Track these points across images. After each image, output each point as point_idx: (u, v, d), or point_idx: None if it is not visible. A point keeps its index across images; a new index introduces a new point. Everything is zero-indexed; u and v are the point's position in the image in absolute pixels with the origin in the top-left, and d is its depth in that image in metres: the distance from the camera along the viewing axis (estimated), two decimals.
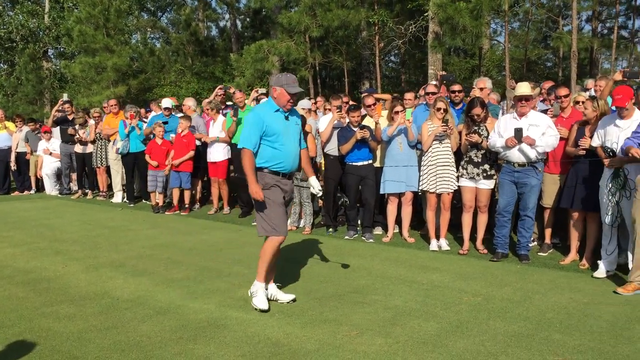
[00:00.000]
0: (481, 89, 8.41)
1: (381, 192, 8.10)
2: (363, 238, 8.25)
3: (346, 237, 8.33)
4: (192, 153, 10.63)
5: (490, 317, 4.88)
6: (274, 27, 18.78)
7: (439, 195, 7.55)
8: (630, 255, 5.98)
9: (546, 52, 28.43)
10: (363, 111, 8.53)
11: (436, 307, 5.16)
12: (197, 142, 10.82)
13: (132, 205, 11.87)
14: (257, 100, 10.81)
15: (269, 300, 5.30)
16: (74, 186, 13.94)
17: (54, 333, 4.57)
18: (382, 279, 6.09)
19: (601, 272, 6.14)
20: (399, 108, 7.83)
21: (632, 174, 5.79)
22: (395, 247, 7.79)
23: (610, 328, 4.62)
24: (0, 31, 27.48)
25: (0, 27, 27.59)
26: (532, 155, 6.62)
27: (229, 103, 12.01)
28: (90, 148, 12.84)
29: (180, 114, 11.41)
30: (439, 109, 7.45)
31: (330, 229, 8.79)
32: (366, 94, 9.36)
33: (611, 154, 5.95)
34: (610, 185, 6.02)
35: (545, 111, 7.57)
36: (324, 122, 8.75)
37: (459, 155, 7.50)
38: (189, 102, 11.75)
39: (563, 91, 7.16)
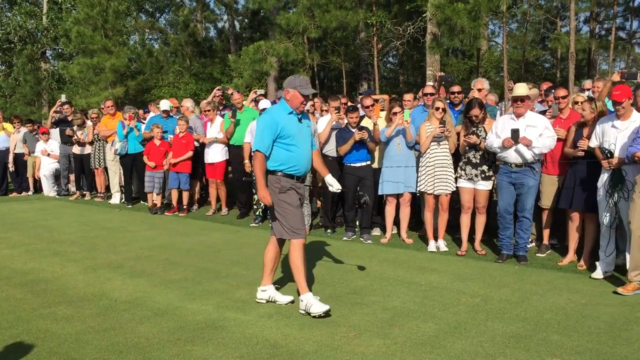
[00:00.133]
0: (479, 90, 8.42)
1: (379, 193, 8.10)
2: (361, 239, 8.25)
3: (344, 238, 8.33)
4: (190, 153, 10.63)
5: (488, 318, 4.89)
6: (272, 28, 18.76)
7: (437, 197, 7.55)
8: (627, 256, 6.00)
9: (544, 53, 28.46)
10: (361, 112, 8.54)
11: (434, 308, 5.16)
12: (196, 143, 10.81)
13: (130, 206, 11.86)
14: (256, 101, 10.82)
15: (267, 301, 5.30)
16: (72, 187, 13.92)
17: (51, 334, 4.56)
18: (380, 280, 6.09)
19: (599, 273, 6.14)
20: (397, 109, 7.83)
21: (630, 175, 5.80)
22: (394, 248, 7.79)
23: (609, 329, 4.62)
24: None
25: None
26: (528, 156, 6.63)
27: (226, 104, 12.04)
28: (88, 149, 12.82)
29: (179, 115, 11.40)
30: (437, 109, 7.45)
31: (329, 230, 8.79)
32: (364, 95, 9.37)
33: (609, 155, 5.95)
34: (608, 186, 6.03)
35: (543, 112, 7.58)
36: (323, 123, 8.75)
37: (457, 156, 7.51)
38: (187, 103, 11.75)
39: (561, 92, 7.16)
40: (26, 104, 26.16)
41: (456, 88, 8.48)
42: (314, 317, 4.86)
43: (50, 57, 29.65)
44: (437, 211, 7.65)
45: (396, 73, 28.70)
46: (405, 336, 4.48)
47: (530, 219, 6.93)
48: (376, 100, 9.02)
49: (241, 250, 7.68)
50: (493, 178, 7.25)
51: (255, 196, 9.69)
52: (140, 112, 12.69)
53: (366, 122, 8.36)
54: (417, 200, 8.42)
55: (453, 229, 8.11)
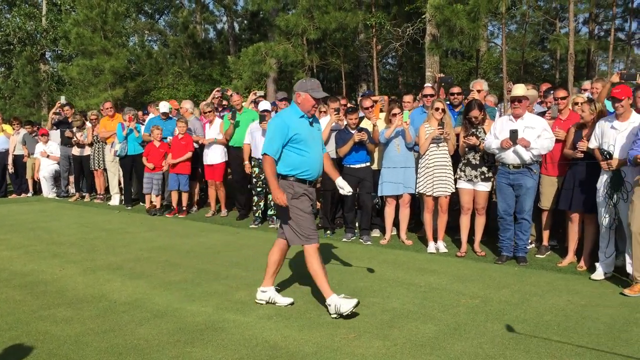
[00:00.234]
0: (478, 91, 8.42)
1: (379, 194, 8.10)
2: (361, 240, 8.25)
3: (344, 240, 8.32)
4: (189, 154, 10.63)
5: (488, 320, 4.88)
6: (272, 30, 18.78)
7: (436, 198, 7.55)
8: (627, 257, 6.00)
9: (543, 55, 28.48)
10: (361, 113, 8.54)
11: (434, 310, 5.16)
12: (195, 145, 10.81)
13: (129, 207, 11.86)
14: (255, 102, 10.82)
15: (266, 302, 5.30)
16: (71, 189, 13.92)
17: (51, 336, 4.56)
18: (380, 282, 6.09)
19: (599, 274, 6.14)
20: (396, 110, 7.83)
21: (629, 176, 5.80)
22: (393, 249, 7.79)
23: (608, 330, 4.62)
24: None
25: None
26: (526, 157, 6.63)
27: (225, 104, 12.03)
28: (87, 151, 12.82)
29: (178, 117, 11.40)
30: (437, 109, 7.46)
31: (328, 232, 8.79)
32: (363, 96, 9.37)
33: (608, 156, 5.95)
34: (607, 187, 6.03)
35: (542, 113, 7.58)
36: (322, 124, 8.72)
37: (456, 157, 7.51)
38: (186, 105, 11.75)
39: (561, 93, 7.16)
40: (25, 106, 26.18)
41: (456, 89, 8.48)
42: (348, 314, 4.82)
43: (49, 59, 29.69)
44: (437, 212, 7.65)
45: (395, 74, 28.71)
46: (405, 337, 4.48)
47: (530, 221, 6.93)
48: (375, 101, 9.02)
49: (241, 252, 7.67)
50: (493, 179, 7.25)
51: (255, 197, 9.70)
52: (140, 113, 12.69)
53: (365, 124, 8.36)
54: (417, 202, 8.42)
55: (452, 230, 8.10)
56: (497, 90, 16.69)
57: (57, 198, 13.77)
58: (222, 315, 5.03)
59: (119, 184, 12.61)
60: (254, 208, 9.79)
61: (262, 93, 11.91)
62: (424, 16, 14.32)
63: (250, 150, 9.65)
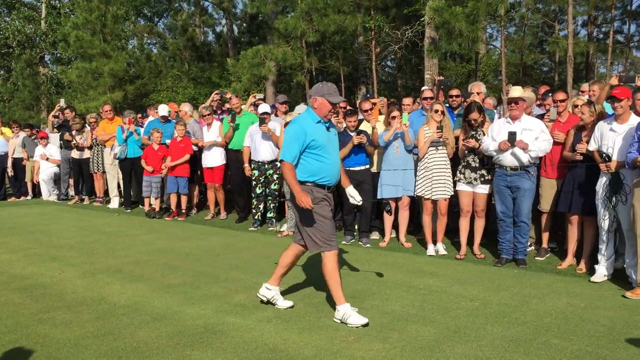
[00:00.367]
0: (477, 94, 8.43)
1: (378, 196, 8.09)
2: (360, 243, 8.25)
3: (343, 242, 8.32)
4: (187, 156, 10.62)
5: (487, 322, 4.88)
6: (271, 33, 18.79)
7: (435, 201, 7.55)
8: (627, 260, 6.00)
9: (542, 57, 28.50)
10: (360, 116, 8.54)
11: (433, 312, 5.16)
12: (194, 148, 10.81)
13: (129, 210, 11.86)
14: (255, 105, 10.83)
15: (267, 300, 5.29)
16: (71, 192, 13.92)
17: (50, 340, 4.55)
18: (379, 284, 6.08)
19: (598, 276, 6.14)
20: (395, 113, 7.83)
21: (628, 178, 5.80)
22: (392, 251, 7.79)
23: (608, 333, 4.62)
24: None
25: None
26: (524, 159, 6.63)
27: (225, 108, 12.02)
28: (87, 154, 12.82)
29: (177, 120, 11.41)
30: (436, 111, 7.46)
31: None
32: (362, 99, 9.37)
33: (607, 158, 5.96)
34: (606, 189, 6.03)
35: (541, 116, 7.59)
36: None
37: (456, 160, 7.51)
38: (185, 108, 11.76)
39: (560, 96, 7.15)
40: (25, 109, 26.20)
41: (454, 92, 8.50)
42: (355, 327, 4.76)
43: (48, 62, 29.70)
44: (436, 215, 7.65)
45: (394, 77, 28.72)
46: (404, 340, 4.47)
47: (528, 223, 6.92)
48: (374, 104, 9.03)
49: (240, 255, 7.67)
50: (492, 182, 7.24)
51: (254, 200, 9.69)
52: (138, 116, 12.69)
53: (365, 126, 8.36)
54: (416, 204, 8.42)
55: (452, 232, 8.10)
56: (496, 93, 16.69)
57: (56, 201, 13.76)
58: (222, 318, 5.03)
59: (118, 186, 12.61)
60: (253, 211, 9.78)
61: (261, 96, 11.92)
62: (423, 19, 14.34)
63: (250, 153, 9.65)
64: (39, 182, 14.16)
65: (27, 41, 27.77)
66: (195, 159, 10.87)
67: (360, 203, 5.35)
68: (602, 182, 6.12)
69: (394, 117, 7.78)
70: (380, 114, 9.20)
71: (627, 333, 4.62)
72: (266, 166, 9.50)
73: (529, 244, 7.25)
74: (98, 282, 6.26)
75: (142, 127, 11.88)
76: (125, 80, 20.89)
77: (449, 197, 7.52)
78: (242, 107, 10.65)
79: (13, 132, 14.59)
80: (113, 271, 6.77)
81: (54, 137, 13.94)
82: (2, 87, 27.86)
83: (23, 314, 5.21)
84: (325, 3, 15.30)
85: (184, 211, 10.87)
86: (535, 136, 6.63)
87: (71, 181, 13.82)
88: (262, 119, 9.22)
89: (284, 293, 5.70)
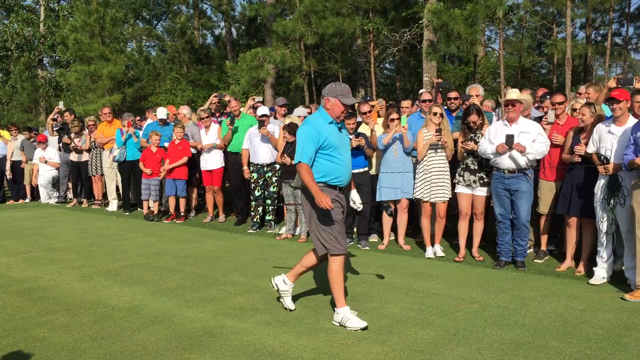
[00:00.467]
0: (476, 96, 8.44)
1: (377, 199, 8.09)
2: (359, 245, 8.24)
3: None
4: (185, 159, 10.62)
5: (486, 325, 4.88)
6: (269, 35, 18.80)
7: (434, 204, 7.55)
8: (625, 262, 6.00)
9: (541, 59, 28.54)
10: (358, 118, 8.54)
11: (432, 315, 5.15)
12: (193, 150, 10.80)
13: (127, 213, 11.85)
14: (254, 108, 10.83)
15: (278, 290, 5.26)
16: (70, 194, 13.91)
17: (48, 343, 4.54)
18: (378, 287, 6.08)
19: (597, 278, 6.14)
20: (394, 115, 7.83)
21: (626, 181, 5.81)
22: (391, 254, 7.78)
23: (607, 335, 4.62)
24: None
25: None
26: (522, 162, 6.63)
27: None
28: (85, 156, 12.82)
29: (176, 122, 11.40)
30: (435, 114, 7.46)
31: None
32: (361, 101, 9.37)
33: (605, 161, 5.96)
34: (604, 192, 6.04)
35: (539, 118, 7.59)
36: None
37: (455, 162, 7.51)
38: (184, 110, 11.76)
39: (558, 98, 7.15)
40: (23, 112, 26.20)
41: (453, 94, 8.51)
42: (354, 331, 4.74)
43: (47, 65, 29.72)
44: (434, 217, 7.65)
45: (393, 79, 28.75)
46: (403, 343, 4.47)
47: (528, 226, 6.90)
48: (372, 106, 9.03)
49: (239, 257, 7.66)
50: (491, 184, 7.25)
51: (253, 203, 9.68)
52: (137, 119, 12.69)
53: (363, 129, 8.36)
54: (415, 207, 8.42)
55: (451, 235, 8.10)
56: (495, 95, 16.71)
57: (55, 204, 13.75)
58: (220, 321, 5.02)
59: (117, 189, 12.60)
60: (252, 213, 9.78)
61: (260, 98, 11.91)
62: (421, 21, 14.33)
63: (249, 155, 9.65)
64: (37, 185, 14.15)
65: (26, 44, 27.79)
66: (193, 162, 10.87)
67: (360, 208, 5.31)
68: (600, 184, 6.13)
69: (392, 120, 7.78)
70: (379, 116, 9.21)
71: (626, 335, 4.61)
72: (265, 169, 9.50)
73: (528, 246, 7.25)
74: (96, 285, 6.25)
75: (140, 129, 11.88)
76: (124, 82, 20.90)
77: (448, 199, 7.53)
78: (241, 109, 10.65)
79: (11, 135, 14.59)
80: (111, 274, 6.76)
81: (53, 140, 13.94)
82: (0, 90, 27.85)
83: (21, 317, 5.20)
84: (324, 6, 15.32)
85: (182, 214, 10.87)
86: (532, 139, 6.63)
87: (70, 184, 13.81)
88: (261, 122, 9.23)
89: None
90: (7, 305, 5.55)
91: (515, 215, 6.83)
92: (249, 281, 6.36)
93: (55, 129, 14.14)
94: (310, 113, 10.06)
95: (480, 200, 7.22)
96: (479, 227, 7.38)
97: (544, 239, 7.35)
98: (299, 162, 4.84)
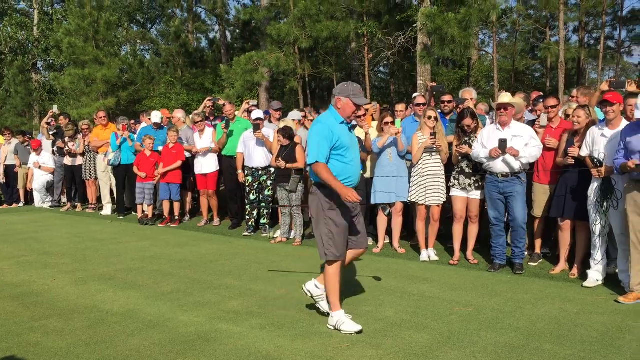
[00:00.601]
0: (470, 99, 8.45)
1: (372, 202, 8.09)
2: None
3: None
4: (179, 162, 10.60)
5: (481, 328, 4.88)
6: (264, 39, 18.82)
7: (428, 207, 7.56)
8: (619, 265, 6.02)
9: (534, 63, 28.67)
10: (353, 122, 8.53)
11: (427, 318, 5.15)
12: (187, 154, 10.79)
13: (121, 217, 11.82)
14: (249, 111, 10.82)
15: (311, 296, 5.19)
16: (64, 198, 13.87)
17: (42, 348, 4.52)
18: (373, 290, 6.08)
19: (591, 281, 6.15)
20: (388, 119, 7.83)
21: (619, 184, 5.83)
22: (386, 257, 7.78)
23: (601, 338, 4.63)
24: None
25: None
26: (516, 166, 6.64)
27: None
28: (79, 160, 12.78)
29: (170, 126, 11.38)
30: (429, 117, 7.48)
31: None
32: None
33: (598, 164, 5.98)
34: (598, 195, 6.06)
35: (533, 122, 7.61)
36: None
37: (450, 165, 7.52)
38: (178, 114, 11.73)
39: (551, 102, 7.17)
40: (17, 115, 26.12)
41: (446, 97, 8.53)
42: (349, 334, 4.73)
43: (41, 68, 29.66)
44: (429, 220, 7.65)
45: (387, 83, 28.80)
46: (398, 347, 4.47)
47: (524, 228, 6.85)
48: (367, 109, 9.03)
49: (233, 261, 7.65)
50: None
51: (248, 207, 9.67)
52: (131, 122, 12.66)
53: (357, 132, 8.36)
54: (409, 210, 8.43)
55: (445, 238, 8.11)
56: (489, 99, 16.77)
57: (49, 208, 13.70)
58: (215, 326, 5.01)
59: (111, 193, 12.56)
60: (247, 217, 9.77)
61: (255, 102, 11.91)
62: (415, 25, 14.39)
63: (243, 159, 9.64)
64: (32, 190, 14.10)
65: (20, 48, 27.72)
66: (187, 166, 10.85)
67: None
68: (593, 187, 6.15)
69: (387, 123, 7.79)
70: (373, 119, 9.21)
71: (620, 338, 4.63)
72: (260, 172, 9.49)
73: (525, 248, 7.25)
74: (90, 290, 6.23)
75: (135, 133, 11.86)
76: (118, 86, 20.87)
77: (442, 202, 7.54)
78: (236, 113, 10.64)
79: (5, 139, 14.53)
80: (106, 278, 6.74)
81: (48, 144, 13.89)
82: None
83: (15, 322, 5.18)
84: (318, 9, 15.36)
85: (177, 218, 10.85)
86: (525, 142, 6.65)
87: (64, 188, 13.76)
88: (256, 125, 9.22)
89: (277, 298, 5.69)
90: (0, 310, 5.53)
91: (512, 217, 6.84)
92: (244, 285, 6.35)
93: (50, 132, 14.11)
94: (304, 117, 10.06)
95: (475, 204, 7.23)
96: (473, 230, 7.39)
97: (538, 242, 7.37)
98: (316, 162, 4.74)
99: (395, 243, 8.14)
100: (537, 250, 7.37)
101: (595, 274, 6.19)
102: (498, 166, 6.70)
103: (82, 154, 12.67)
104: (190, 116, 11.71)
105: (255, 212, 9.70)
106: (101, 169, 12.31)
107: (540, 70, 30.02)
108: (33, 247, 8.73)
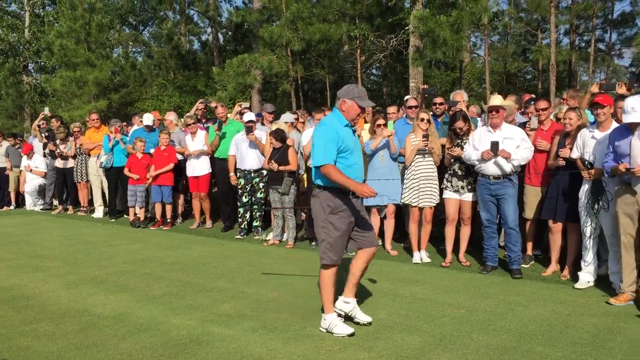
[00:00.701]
0: (462, 102, 8.48)
1: (364, 204, 8.07)
2: (345, 250, 8.21)
3: None
4: (171, 165, 10.57)
5: (473, 330, 4.89)
6: (256, 41, 18.82)
7: (421, 209, 7.57)
8: (610, 266, 6.05)
9: (525, 65, 28.80)
10: None
11: (419, 321, 5.16)
12: (179, 157, 10.76)
13: (113, 220, 11.77)
14: (241, 114, 10.81)
15: (346, 316, 5.08)
16: (55, 201, 13.79)
17: (32, 352, 4.50)
18: (365, 292, 6.08)
19: (582, 283, 6.18)
20: (381, 121, 7.84)
21: (610, 185, 5.86)
22: (378, 260, 7.75)
23: (592, 339, 4.65)
24: None
25: None
26: (507, 168, 6.66)
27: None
28: (71, 163, 12.73)
29: (162, 128, 11.36)
30: (422, 120, 7.49)
31: (314, 243, 8.76)
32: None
33: (589, 166, 6.01)
34: (588, 196, 6.09)
35: (524, 124, 7.64)
36: (307, 135, 8.75)
37: (443, 167, 7.54)
38: (170, 117, 11.70)
39: (542, 104, 7.18)
40: (8, 118, 25.99)
41: (438, 99, 8.54)
42: (340, 337, 4.73)
43: (32, 71, 29.51)
44: (421, 222, 7.66)
45: (380, 85, 28.86)
46: (390, 349, 4.47)
47: (517, 230, 6.83)
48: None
49: (226, 264, 7.64)
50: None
51: (240, 209, 9.65)
52: (124, 124, 12.62)
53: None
54: (401, 213, 8.43)
55: (438, 240, 8.12)
56: (480, 101, 16.83)
57: (40, 211, 13.63)
58: (207, 329, 5.00)
59: (103, 196, 12.51)
60: (239, 219, 9.75)
61: (247, 104, 11.90)
62: (407, 28, 14.42)
63: (236, 161, 9.63)
64: (23, 192, 14.02)
65: (11, 49, 27.58)
66: (179, 168, 10.82)
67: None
68: (584, 189, 6.18)
69: (379, 126, 7.80)
70: (365, 122, 9.22)
71: (611, 339, 4.65)
72: (252, 175, 9.48)
73: (520, 252, 7.23)
74: (82, 293, 6.20)
75: (127, 135, 11.82)
76: (110, 88, 20.80)
77: (435, 204, 7.55)
78: (228, 115, 10.63)
79: None
80: (97, 282, 6.71)
81: (39, 147, 13.81)
82: None
83: (5, 325, 5.14)
84: (311, 12, 15.38)
85: (169, 220, 10.81)
86: (516, 144, 6.67)
87: (55, 190, 13.69)
88: (248, 128, 9.21)
89: (269, 300, 5.68)
90: None
91: (503, 220, 6.85)
92: (236, 287, 6.34)
93: (43, 134, 14.02)
94: (297, 119, 10.06)
95: (468, 206, 7.25)
96: (465, 232, 7.40)
97: (529, 244, 7.39)
98: (324, 164, 4.69)
99: (388, 245, 8.15)
100: (529, 252, 7.39)
101: (587, 276, 6.21)
102: (490, 168, 6.72)
103: (74, 157, 12.62)
104: (183, 118, 11.67)
105: (247, 215, 9.69)
106: (93, 171, 12.25)
107: (531, 72, 30.17)
108: (24, 250, 8.68)
